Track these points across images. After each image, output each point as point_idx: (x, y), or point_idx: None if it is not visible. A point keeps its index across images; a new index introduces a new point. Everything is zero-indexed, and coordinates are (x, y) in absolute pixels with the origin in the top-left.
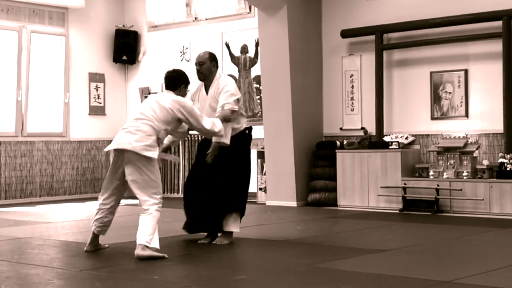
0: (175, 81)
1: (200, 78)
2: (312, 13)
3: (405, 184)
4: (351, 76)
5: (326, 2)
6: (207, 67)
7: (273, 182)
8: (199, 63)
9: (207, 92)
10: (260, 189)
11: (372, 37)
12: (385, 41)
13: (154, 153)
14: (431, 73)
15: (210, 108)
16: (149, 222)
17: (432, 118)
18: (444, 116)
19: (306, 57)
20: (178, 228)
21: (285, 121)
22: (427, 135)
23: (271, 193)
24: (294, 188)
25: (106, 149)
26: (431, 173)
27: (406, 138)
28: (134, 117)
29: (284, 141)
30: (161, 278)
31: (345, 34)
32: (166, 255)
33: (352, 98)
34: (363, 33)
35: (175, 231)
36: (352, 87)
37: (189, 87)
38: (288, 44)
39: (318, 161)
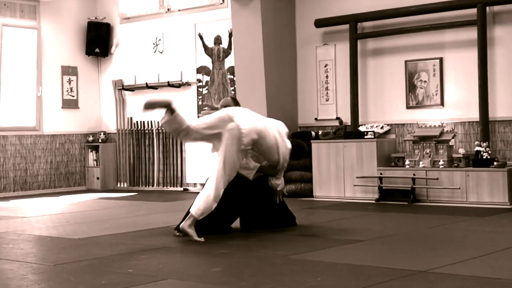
0: None
1: None
2: (286, 3)
3: (381, 174)
4: (325, 66)
5: None
6: None
7: None
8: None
9: None
10: None
11: (346, 26)
12: (359, 30)
13: None
14: (406, 61)
15: None
16: None
17: (408, 107)
18: (419, 105)
19: (280, 47)
20: (153, 221)
21: (260, 112)
22: (403, 124)
23: None
24: None
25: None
26: (407, 162)
27: (382, 127)
28: None
29: None
30: (136, 272)
31: (319, 23)
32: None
33: (326, 88)
34: (337, 22)
35: (151, 224)
36: (327, 77)
37: None
38: (262, 35)
39: None
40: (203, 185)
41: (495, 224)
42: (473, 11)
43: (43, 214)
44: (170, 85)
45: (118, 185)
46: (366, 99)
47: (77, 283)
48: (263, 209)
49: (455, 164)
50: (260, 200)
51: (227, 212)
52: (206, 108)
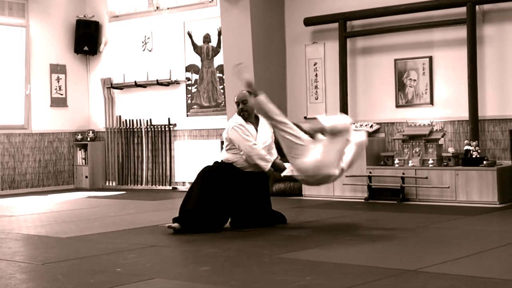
0: None
1: (244, 116)
2: (275, 1)
3: (370, 172)
4: (314, 65)
5: None
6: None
7: None
8: (243, 102)
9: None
10: None
11: (336, 24)
12: (349, 28)
13: None
14: (395, 60)
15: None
16: None
17: (397, 106)
18: (409, 104)
19: (269, 45)
20: (141, 220)
21: None
22: (392, 123)
23: None
24: None
25: None
26: (396, 161)
27: (371, 126)
28: None
29: None
30: (125, 270)
31: (308, 22)
32: None
33: (316, 87)
34: (326, 21)
35: (139, 223)
36: (316, 75)
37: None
38: (251, 33)
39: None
40: (191, 183)
41: (485, 223)
42: (463, 9)
43: (32, 213)
44: (159, 83)
45: (107, 183)
46: (355, 97)
47: (65, 282)
48: (254, 207)
49: (445, 163)
50: (251, 197)
51: (220, 210)
52: (195, 106)
